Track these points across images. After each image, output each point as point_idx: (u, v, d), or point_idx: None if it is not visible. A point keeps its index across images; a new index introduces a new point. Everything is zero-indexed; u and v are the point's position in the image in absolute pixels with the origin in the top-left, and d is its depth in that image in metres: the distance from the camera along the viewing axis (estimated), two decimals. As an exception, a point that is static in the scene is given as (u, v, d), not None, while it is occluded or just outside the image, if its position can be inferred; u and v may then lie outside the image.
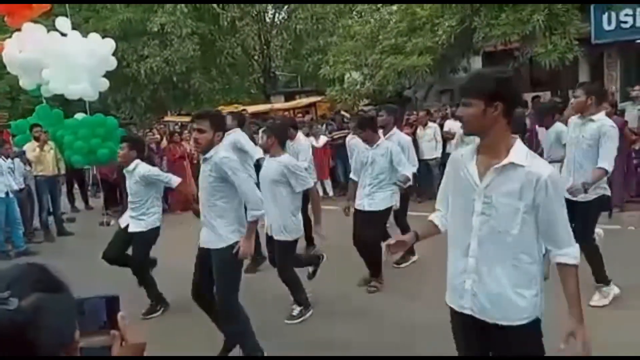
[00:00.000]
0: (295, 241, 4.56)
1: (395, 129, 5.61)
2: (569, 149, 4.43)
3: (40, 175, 8.31)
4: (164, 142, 11.41)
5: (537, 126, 7.69)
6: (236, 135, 5.86)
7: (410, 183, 5.26)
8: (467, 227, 2.11)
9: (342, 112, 12.28)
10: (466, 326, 2.19)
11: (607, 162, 4.06)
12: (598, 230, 4.57)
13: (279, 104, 17.16)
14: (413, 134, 9.14)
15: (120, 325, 1.09)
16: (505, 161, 2.01)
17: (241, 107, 12.47)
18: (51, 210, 8.56)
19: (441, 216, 2.34)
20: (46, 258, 7.00)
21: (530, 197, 1.99)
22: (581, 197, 4.05)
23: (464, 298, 2.15)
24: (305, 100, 16.29)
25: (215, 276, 3.52)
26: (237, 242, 3.49)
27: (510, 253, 2.05)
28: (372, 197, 5.00)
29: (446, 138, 9.33)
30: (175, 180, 4.93)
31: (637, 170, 8.15)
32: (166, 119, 18.62)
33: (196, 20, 17.23)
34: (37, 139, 8.35)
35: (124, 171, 4.93)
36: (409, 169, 5.06)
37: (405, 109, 11.79)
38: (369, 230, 4.91)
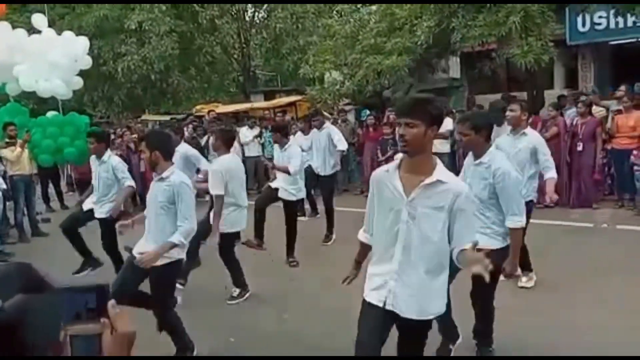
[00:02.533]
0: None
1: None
2: None
3: (17, 175, 8.13)
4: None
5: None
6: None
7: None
8: (393, 235, 2.38)
9: (324, 112, 12.29)
10: (379, 317, 2.44)
11: (553, 169, 4.66)
12: None
13: (258, 103, 17.09)
14: (392, 133, 9.19)
15: (111, 313, 1.08)
16: (432, 179, 2.29)
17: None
18: (25, 210, 8.38)
19: (367, 232, 2.65)
20: (20, 259, 6.86)
21: (449, 209, 2.30)
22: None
23: (385, 296, 2.41)
24: (285, 100, 16.23)
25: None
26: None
27: (428, 259, 2.35)
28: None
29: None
30: (127, 183, 5.43)
31: (609, 170, 8.33)
32: (143, 117, 18.39)
33: (174, 18, 17.01)
34: (11, 137, 8.17)
35: (97, 160, 5.48)
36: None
37: (385, 108, 11.86)
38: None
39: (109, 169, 5.38)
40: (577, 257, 5.66)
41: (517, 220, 3.26)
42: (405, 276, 2.38)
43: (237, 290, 5.05)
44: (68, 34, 9.49)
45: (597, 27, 10.99)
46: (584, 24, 11.07)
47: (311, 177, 7.18)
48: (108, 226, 5.28)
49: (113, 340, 1.08)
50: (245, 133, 11.10)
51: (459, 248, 2.29)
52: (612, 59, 12.42)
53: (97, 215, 5.49)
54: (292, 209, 6.16)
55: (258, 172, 11.21)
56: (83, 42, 9.51)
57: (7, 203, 8.07)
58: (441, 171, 2.33)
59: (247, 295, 5.04)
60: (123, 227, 4.07)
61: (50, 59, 8.74)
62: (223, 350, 4.02)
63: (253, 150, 11.25)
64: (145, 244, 3.72)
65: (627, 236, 6.49)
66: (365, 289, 2.53)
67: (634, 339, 3.73)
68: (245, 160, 9.26)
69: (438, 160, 2.38)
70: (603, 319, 4.09)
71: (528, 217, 4.56)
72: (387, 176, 2.42)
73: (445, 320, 3.39)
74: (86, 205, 5.71)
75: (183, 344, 3.76)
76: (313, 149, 7.28)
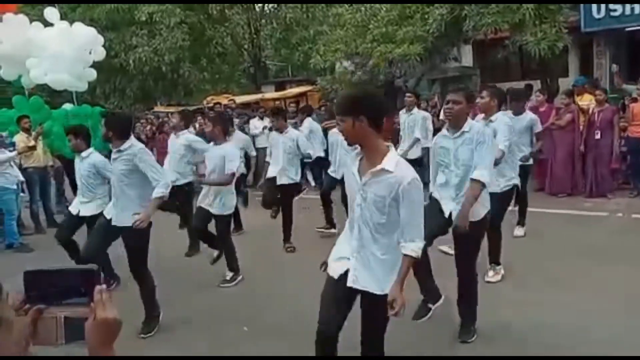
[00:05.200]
0: (230, 215, 5.29)
1: None
2: None
3: (31, 168, 8.21)
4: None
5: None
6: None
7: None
8: (353, 216, 2.65)
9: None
10: (341, 292, 2.63)
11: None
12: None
13: (269, 93, 17.07)
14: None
15: (95, 298, 1.05)
16: (378, 167, 2.49)
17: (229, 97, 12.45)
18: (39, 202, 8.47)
19: None
20: (36, 250, 6.96)
21: (394, 195, 2.47)
22: (496, 189, 4.33)
23: (345, 270, 2.64)
24: (296, 90, 16.21)
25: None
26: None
27: (379, 240, 2.57)
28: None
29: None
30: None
31: (625, 158, 8.23)
32: (155, 109, 18.47)
33: (185, 9, 17.02)
34: (26, 130, 8.25)
35: (77, 157, 5.27)
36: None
37: (396, 98, 11.78)
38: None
39: (90, 166, 5.14)
40: (589, 245, 5.61)
41: (481, 175, 3.47)
42: (362, 254, 2.61)
43: (230, 274, 5.21)
44: (78, 26, 9.52)
45: (612, 13, 10.77)
46: (599, 10, 10.86)
47: (329, 179, 6.91)
48: (94, 223, 4.99)
49: (92, 326, 1.05)
50: (256, 124, 11.10)
51: (402, 246, 2.51)
52: (627, 46, 12.20)
53: (83, 213, 5.21)
54: (288, 193, 6.22)
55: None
56: (91, 33, 9.52)
57: (22, 195, 8.18)
58: (390, 160, 2.51)
59: (239, 279, 5.20)
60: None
61: (58, 51, 8.79)
62: (230, 338, 4.05)
63: (263, 142, 11.24)
64: (114, 209, 4.24)
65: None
66: (329, 262, 2.76)
67: (633, 324, 3.70)
68: (256, 151, 9.26)
69: (392, 150, 2.57)
70: (612, 306, 4.05)
71: (507, 203, 4.86)
72: (351, 162, 2.68)
73: (425, 281, 3.68)
74: (74, 209, 5.36)
75: (152, 309, 4.20)
76: (329, 149, 6.97)
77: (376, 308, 2.63)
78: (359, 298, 2.67)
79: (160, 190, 4.05)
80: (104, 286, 1.08)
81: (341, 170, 6.30)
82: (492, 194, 3.85)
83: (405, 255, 2.51)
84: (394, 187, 2.47)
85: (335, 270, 2.70)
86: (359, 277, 2.61)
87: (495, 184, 4.35)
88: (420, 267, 3.51)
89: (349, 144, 2.61)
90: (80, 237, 5.14)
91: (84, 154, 5.17)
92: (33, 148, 7.88)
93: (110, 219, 4.28)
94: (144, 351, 3.88)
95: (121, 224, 4.14)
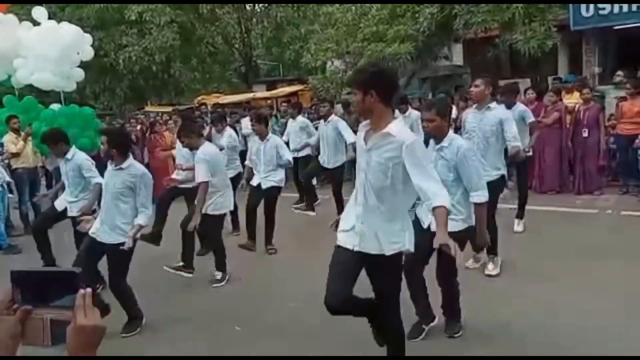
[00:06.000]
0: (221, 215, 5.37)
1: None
2: (468, 138, 4.74)
3: (21, 168, 8.13)
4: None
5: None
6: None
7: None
8: (359, 182, 2.78)
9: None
10: (349, 259, 2.76)
11: (518, 140, 4.81)
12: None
13: (260, 93, 17.04)
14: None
15: (77, 302, 1.02)
16: (383, 131, 2.64)
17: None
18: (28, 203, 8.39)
19: None
20: (25, 251, 6.89)
21: (397, 157, 2.60)
22: (487, 178, 4.23)
23: (352, 237, 2.76)
24: (287, 89, 16.18)
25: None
26: None
27: (383, 203, 2.68)
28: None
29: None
30: (95, 181, 5.12)
31: (614, 156, 8.29)
32: (146, 109, 18.38)
33: (175, 8, 16.94)
34: (15, 130, 8.17)
35: (62, 160, 5.28)
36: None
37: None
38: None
39: (75, 167, 5.20)
40: (579, 243, 5.64)
41: (480, 195, 3.54)
42: (367, 218, 2.72)
43: (220, 274, 5.25)
44: (63, 26, 9.43)
45: (601, 11, 10.85)
46: (587, 9, 10.93)
47: (316, 164, 7.45)
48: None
49: (71, 331, 1.02)
50: (247, 124, 11.06)
51: (427, 203, 2.62)
52: (616, 44, 12.29)
53: (70, 213, 5.30)
54: (272, 196, 6.17)
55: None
56: (78, 33, 9.43)
57: (11, 196, 8.09)
58: (394, 125, 2.67)
59: (228, 278, 5.23)
60: (85, 222, 4.40)
61: (43, 51, 8.71)
62: (230, 338, 4.04)
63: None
64: (100, 226, 4.20)
65: (631, 222, 6.48)
66: (338, 230, 2.89)
67: (632, 323, 3.72)
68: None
69: (398, 119, 2.76)
70: (602, 303, 4.07)
71: (499, 192, 4.73)
72: (359, 132, 2.85)
73: (420, 301, 3.69)
74: (60, 205, 5.45)
75: (134, 313, 4.23)
76: (320, 142, 7.30)
77: (381, 269, 2.77)
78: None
79: (144, 220, 4.16)
80: (89, 290, 1.05)
81: (324, 158, 7.13)
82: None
83: (433, 208, 2.59)
84: (398, 149, 2.60)
85: (341, 239, 2.83)
86: (364, 241, 2.73)
87: (486, 174, 4.34)
88: (415, 287, 3.60)
89: (359, 115, 2.81)
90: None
91: (68, 155, 5.19)
92: (16, 155, 7.87)
93: (92, 234, 4.26)
94: (144, 351, 3.87)
95: (107, 241, 4.17)
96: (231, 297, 4.90)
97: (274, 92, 16.55)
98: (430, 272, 3.69)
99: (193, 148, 5.22)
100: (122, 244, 4.08)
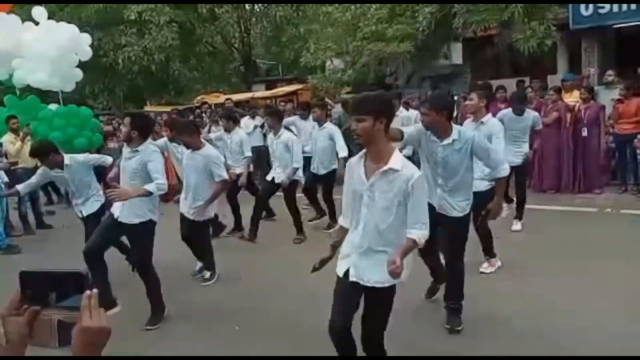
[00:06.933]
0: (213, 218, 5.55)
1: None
2: None
3: (20, 169, 8.12)
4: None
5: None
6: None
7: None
8: (359, 216, 2.74)
9: (327, 100, 12.21)
10: (347, 289, 2.76)
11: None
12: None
13: (260, 92, 17.03)
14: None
15: (83, 303, 1.02)
16: (386, 167, 2.61)
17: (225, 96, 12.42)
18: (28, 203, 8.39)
19: (345, 217, 2.90)
20: (25, 251, 6.90)
21: (402, 193, 2.60)
22: (477, 189, 4.22)
23: (348, 266, 2.77)
24: (286, 89, 16.18)
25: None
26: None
27: (384, 237, 2.68)
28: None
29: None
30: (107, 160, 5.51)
31: (613, 155, 8.29)
32: (146, 108, 18.37)
33: (174, 8, 16.92)
34: (14, 130, 8.16)
35: (61, 169, 5.15)
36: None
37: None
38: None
39: (80, 167, 5.17)
40: (579, 241, 5.65)
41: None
42: (366, 250, 2.72)
43: (209, 273, 5.33)
44: (61, 26, 9.43)
45: (600, 10, 10.84)
46: (587, 8, 10.93)
47: (310, 175, 6.99)
48: (97, 220, 5.03)
49: (76, 332, 1.01)
50: (247, 123, 11.05)
51: (408, 232, 2.63)
52: (615, 43, 12.28)
53: (85, 213, 5.21)
54: (289, 190, 6.31)
55: (261, 162, 11.18)
56: (75, 33, 9.42)
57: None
58: (396, 159, 2.64)
59: (216, 277, 5.30)
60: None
61: (41, 51, 8.71)
62: (230, 338, 4.04)
63: (255, 140, 11.20)
64: (121, 206, 4.21)
65: (631, 220, 6.48)
66: (338, 263, 2.87)
67: (632, 322, 3.72)
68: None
69: (396, 150, 2.69)
70: (602, 303, 4.07)
71: (481, 210, 4.24)
72: (356, 163, 2.77)
73: (436, 269, 4.10)
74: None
75: (157, 304, 4.29)
76: (313, 148, 6.99)
77: (379, 301, 2.77)
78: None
79: (153, 187, 4.01)
80: (95, 291, 1.04)
81: (314, 165, 6.86)
82: (475, 193, 3.89)
83: (409, 239, 2.62)
84: (404, 184, 2.59)
85: (341, 268, 2.83)
86: (362, 272, 2.73)
87: (480, 176, 4.34)
88: (430, 261, 3.95)
89: (361, 143, 2.69)
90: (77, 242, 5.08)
91: (66, 162, 5.11)
92: (14, 164, 7.90)
93: (116, 217, 4.29)
94: (145, 351, 3.87)
95: (127, 220, 4.21)
96: (231, 297, 4.89)
97: (273, 91, 16.54)
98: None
99: (191, 147, 5.20)
100: (143, 222, 4.16)
